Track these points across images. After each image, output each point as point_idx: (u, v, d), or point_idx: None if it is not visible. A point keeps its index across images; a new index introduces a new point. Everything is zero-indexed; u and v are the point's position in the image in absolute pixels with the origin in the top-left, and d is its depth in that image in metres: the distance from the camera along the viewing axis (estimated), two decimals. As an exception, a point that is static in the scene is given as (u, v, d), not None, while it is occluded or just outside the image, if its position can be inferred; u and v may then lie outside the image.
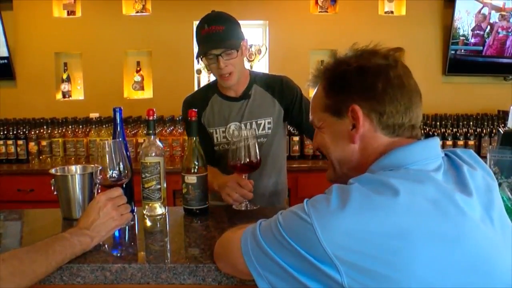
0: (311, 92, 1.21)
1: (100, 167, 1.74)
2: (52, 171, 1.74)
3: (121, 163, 1.46)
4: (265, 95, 2.08)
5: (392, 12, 4.08)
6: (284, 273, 0.96)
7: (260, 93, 2.08)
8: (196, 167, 1.69)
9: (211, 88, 2.14)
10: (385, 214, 0.87)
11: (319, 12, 4.03)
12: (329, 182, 1.19)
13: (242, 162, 1.74)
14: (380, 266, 0.85)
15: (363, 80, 1.04)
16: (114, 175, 1.46)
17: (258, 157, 1.76)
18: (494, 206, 0.98)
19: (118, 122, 1.71)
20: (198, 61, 2.00)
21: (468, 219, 0.90)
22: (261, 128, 2.06)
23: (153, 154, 1.69)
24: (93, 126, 3.61)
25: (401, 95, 1.03)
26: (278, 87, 2.09)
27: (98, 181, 1.47)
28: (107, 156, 1.45)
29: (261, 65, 4.06)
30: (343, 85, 1.07)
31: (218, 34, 1.89)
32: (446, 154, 1.07)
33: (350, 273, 0.86)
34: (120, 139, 1.65)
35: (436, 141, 1.05)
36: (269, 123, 2.06)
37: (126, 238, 1.61)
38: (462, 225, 0.89)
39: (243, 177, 1.78)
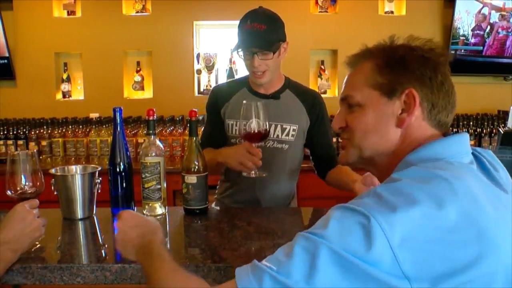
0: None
1: (99, 168, 1.76)
2: (52, 171, 1.74)
3: (35, 175, 1.41)
4: (295, 102, 2.05)
5: (392, 12, 4.08)
6: None
7: (291, 98, 2.05)
8: (196, 167, 1.70)
9: (242, 82, 2.11)
10: (446, 205, 0.84)
11: (319, 12, 4.03)
12: (345, 164, 1.16)
13: (253, 131, 1.72)
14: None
15: (425, 68, 1.01)
16: (26, 188, 1.40)
17: (268, 127, 1.75)
18: None
19: (118, 122, 1.71)
20: (232, 53, 1.97)
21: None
22: (285, 134, 2.02)
23: (153, 154, 1.69)
24: (93, 126, 3.61)
25: (452, 94, 1.04)
26: (310, 98, 2.06)
27: (12, 194, 1.41)
28: (21, 168, 1.40)
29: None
30: (403, 67, 1.02)
31: (258, 33, 1.87)
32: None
33: (416, 274, 0.81)
34: (123, 139, 1.65)
35: (467, 137, 1.05)
36: (294, 130, 2.03)
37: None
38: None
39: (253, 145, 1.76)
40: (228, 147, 1.91)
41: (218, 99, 2.09)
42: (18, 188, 1.39)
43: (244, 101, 1.75)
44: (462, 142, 1.02)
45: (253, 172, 1.76)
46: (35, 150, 1.42)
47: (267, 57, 1.89)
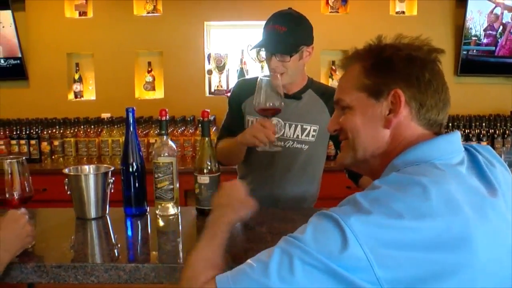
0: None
1: (112, 168, 1.77)
2: (66, 170, 1.75)
3: (25, 183, 1.41)
4: (317, 102, 2.03)
5: (403, 12, 4.05)
6: None
7: (312, 98, 2.04)
8: (209, 167, 1.70)
9: None
10: (420, 210, 0.85)
11: (330, 12, 4.02)
12: (340, 165, 1.18)
13: (267, 104, 1.73)
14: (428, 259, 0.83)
15: (411, 67, 1.02)
16: (16, 195, 1.40)
17: (282, 101, 1.75)
18: None
19: (131, 122, 1.72)
20: (256, 52, 1.96)
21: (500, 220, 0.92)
22: (305, 134, 2.00)
23: (166, 154, 1.70)
24: (105, 126, 3.63)
25: (443, 91, 1.04)
26: (333, 97, 2.05)
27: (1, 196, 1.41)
28: (11, 176, 1.39)
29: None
30: (388, 68, 1.03)
31: (277, 35, 1.86)
32: (465, 148, 1.06)
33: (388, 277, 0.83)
34: (136, 139, 1.65)
35: (458, 135, 1.04)
36: (314, 130, 2.01)
37: (139, 238, 1.62)
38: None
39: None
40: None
41: (241, 92, 2.09)
42: (7, 195, 1.39)
43: (259, 77, 1.75)
44: (452, 141, 1.02)
45: (267, 146, 1.75)
46: (23, 158, 1.41)
47: (285, 60, 1.88)
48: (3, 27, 3.94)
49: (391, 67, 1.03)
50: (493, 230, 0.89)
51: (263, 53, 1.97)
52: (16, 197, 1.37)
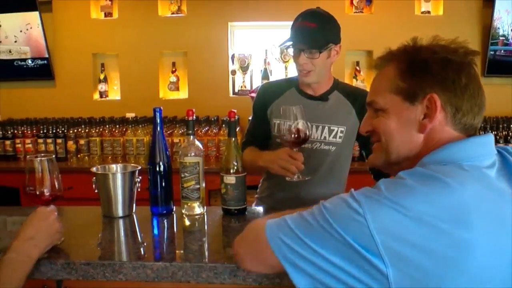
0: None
1: (139, 167, 1.78)
2: (94, 169, 1.77)
3: (55, 181, 1.41)
4: (344, 103, 2.02)
5: (429, 12, 4.00)
6: (323, 261, 0.94)
7: (339, 100, 2.02)
8: (235, 167, 1.70)
9: (291, 81, 2.10)
10: (436, 202, 0.87)
11: (355, 12, 4.00)
12: (372, 167, 1.18)
13: (293, 136, 1.71)
14: (429, 258, 0.85)
15: (447, 71, 1.01)
16: (46, 192, 1.41)
17: (308, 132, 1.73)
18: None
19: (158, 122, 1.73)
20: (287, 50, 1.95)
21: None
22: (332, 135, 1.99)
23: (192, 154, 1.70)
24: (130, 126, 3.67)
25: (479, 96, 1.03)
26: (360, 98, 2.00)
27: (32, 193, 1.41)
28: (40, 173, 1.39)
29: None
30: (424, 71, 1.02)
31: (307, 31, 1.85)
32: (498, 151, 1.04)
33: (397, 263, 0.86)
34: (163, 139, 1.66)
35: (491, 138, 1.03)
36: (341, 131, 1.99)
37: (165, 237, 1.63)
38: None
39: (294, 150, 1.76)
40: (269, 152, 1.90)
41: (266, 97, 2.09)
42: (38, 192, 1.40)
43: (282, 106, 1.75)
44: (483, 143, 1.01)
45: (296, 176, 1.75)
46: (53, 156, 1.43)
47: (314, 56, 1.87)
48: (31, 28, 4.02)
49: (427, 70, 1.02)
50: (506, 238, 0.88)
51: (290, 51, 1.95)
52: (46, 195, 1.39)
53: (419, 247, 0.85)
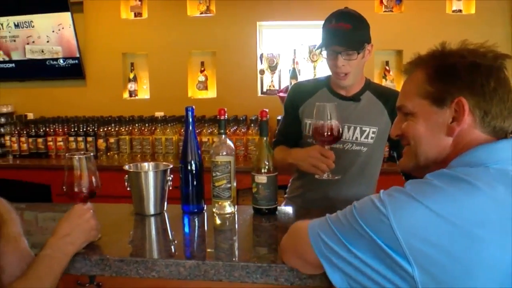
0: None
1: (171, 166, 1.80)
2: (126, 167, 1.79)
3: (93, 178, 1.43)
4: (376, 103, 2.00)
5: (460, 10, 3.93)
6: (355, 259, 0.97)
7: (371, 100, 2.00)
8: (267, 167, 1.70)
9: (323, 81, 2.08)
10: (461, 202, 0.88)
11: (384, 11, 3.96)
12: (402, 171, 1.18)
13: (325, 133, 1.70)
14: (450, 259, 0.86)
15: (476, 75, 1.01)
16: (84, 190, 1.42)
17: (341, 130, 1.72)
18: None
19: (190, 121, 1.74)
20: (320, 52, 1.95)
21: None
22: (364, 136, 1.97)
23: (224, 153, 1.71)
24: (159, 125, 3.70)
25: (509, 100, 1.02)
26: (392, 99, 1.93)
27: (69, 191, 1.43)
28: (79, 170, 1.41)
29: (324, 66, 4.03)
30: (453, 76, 1.03)
31: (343, 32, 1.84)
32: None
33: (422, 263, 0.87)
34: (194, 138, 1.67)
35: None
36: (373, 132, 1.98)
37: (196, 236, 1.64)
38: None
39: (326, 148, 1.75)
40: (300, 149, 1.90)
41: (298, 96, 2.08)
42: (76, 189, 1.42)
43: (317, 103, 1.74)
44: None
45: (326, 174, 1.74)
46: (91, 154, 1.44)
47: (351, 58, 1.86)
48: (63, 28, 4.09)
49: (454, 74, 1.03)
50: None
51: (324, 53, 1.93)
52: (84, 192, 1.41)
53: (443, 248, 0.86)
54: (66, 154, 1.45)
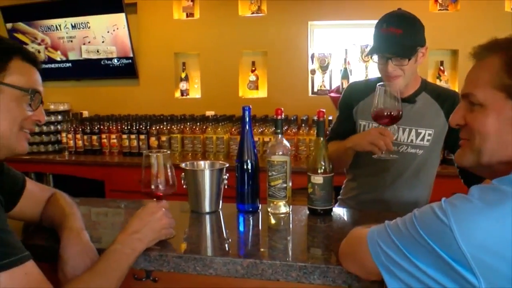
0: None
1: (227, 164, 1.81)
2: (183, 165, 1.81)
3: (169, 174, 1.44)
4: (432, 105, 1.95)
5: (520, 8, 3.79)
6: (416, 270, 0.91)
7: (427, 102, 1.96)
8: (323, 167, 1.68)
9: (377, 82, 2.04)
10: None
11: (439, 10, 3.86)
12: (459, 165, 1.10)
13: (386, 112, 1.71)
14: None
15: None
16: (160, 186, 1.44)
17: (401, 110, 1.72)
18: None
19: (247, 120, 1.75)
20: (371, 57, 1.91)
21: None
22: (419, 138, 1.93)
23: (280, 153, 1.71)
24: (210, 124, 3.73)
25: None
26: (450, 100, 1.93)
27: (145, 190, 1.45)
28: (155, 167, 1.44)
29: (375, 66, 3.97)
30: None
31: (393, 38, 1.80)
32: None
33: (488, 276, 0.82)
34: (251, 137, 1.68)
35: None
36: (429, 135, 1.93)
37: (251, 235, 1.64)
38: None
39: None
40: (358, 134, 1.91)
41: (352, 96, 2.06)
42: (153, 186, 1.45)
43: (378, 84, 1.73)
44: None
45: (382, 153, 1.72)
46: (168, 152, 1.47)
47: (402, 63, 1.81)
48: (117, 28, 4.20)
49: None
50: None
51: (375, 58, 1.89)
52: (161, 189, 1.44)
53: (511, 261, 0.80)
54: (144, 151, 1.48)
